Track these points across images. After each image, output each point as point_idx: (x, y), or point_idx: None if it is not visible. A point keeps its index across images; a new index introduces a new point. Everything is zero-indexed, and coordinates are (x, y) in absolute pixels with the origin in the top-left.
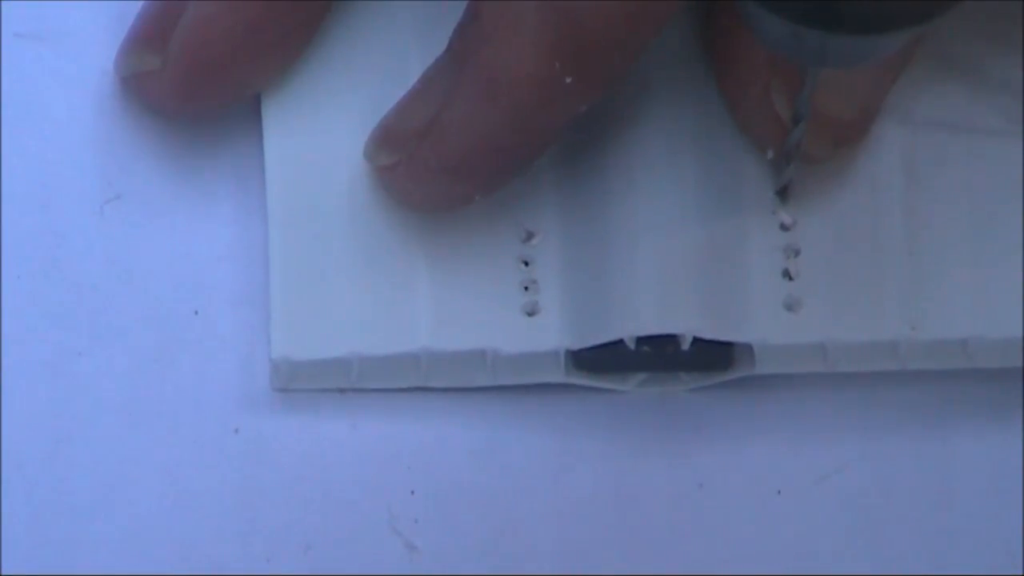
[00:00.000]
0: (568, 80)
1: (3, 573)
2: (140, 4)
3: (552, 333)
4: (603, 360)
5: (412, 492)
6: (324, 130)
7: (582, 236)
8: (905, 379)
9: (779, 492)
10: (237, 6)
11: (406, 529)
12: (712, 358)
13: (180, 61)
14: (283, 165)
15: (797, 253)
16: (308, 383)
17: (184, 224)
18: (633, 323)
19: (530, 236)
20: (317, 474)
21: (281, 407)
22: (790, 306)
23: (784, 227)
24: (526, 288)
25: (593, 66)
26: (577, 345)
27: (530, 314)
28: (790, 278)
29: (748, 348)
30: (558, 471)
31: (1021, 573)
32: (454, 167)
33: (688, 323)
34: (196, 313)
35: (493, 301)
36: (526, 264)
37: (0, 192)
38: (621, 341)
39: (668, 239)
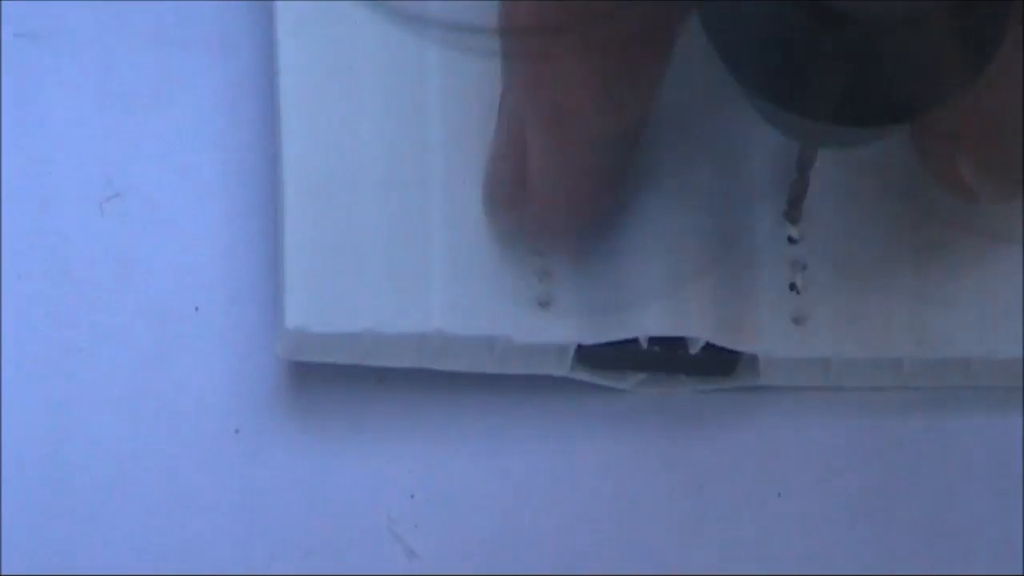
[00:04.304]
0: (624, 87)
1: (3, 573)
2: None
3: (565, 326)
4: (609, 356)
5: (412, 496)
6: (345, 106)
7: (595, 232)
8: None
9: (779, 494)
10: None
11: (406, 534)
12: (716, 365)
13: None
14: (301, 141)
15: (805, 267)
16: (315, 355)
17: (184, 221)
18: (650, 322)
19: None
20: (317, 476)
21: (281, 407)
22: (797, 319)
23: (792, 240)
24: (540, 279)
25: (641, 72)
26: (590, 340)
27: (543, 305)
28: (797, 291)
29: (752, 358)
30: (558, 473)
31: (1021, 573)
32: (568, 204)
33: (703, 328)
34: (197, 310)
35: (508, 289)
36: (540, 255)
37: (0, 191)
38: (630, 339)
39: (681, 243)
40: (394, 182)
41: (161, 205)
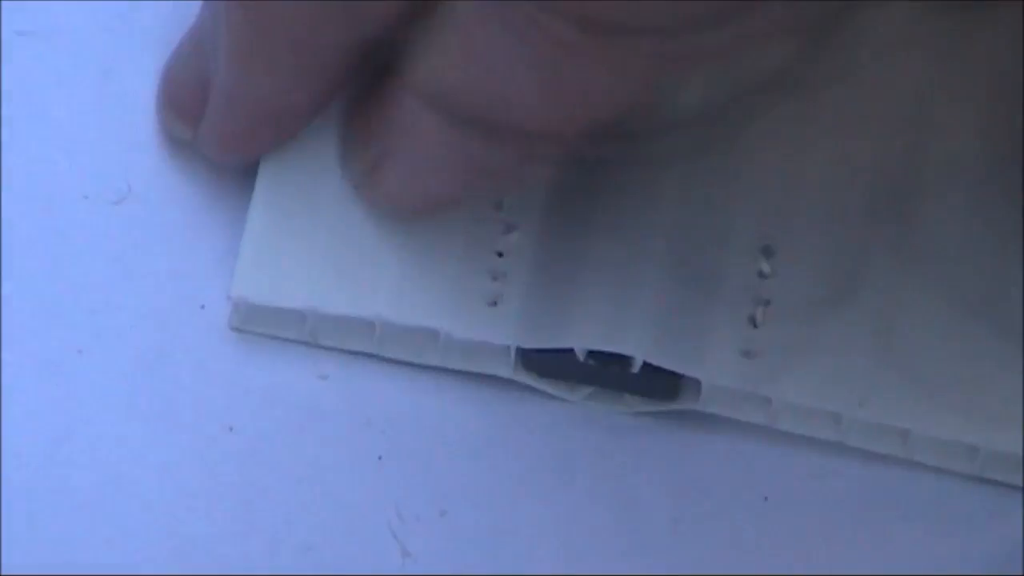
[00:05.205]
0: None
1: (3, 573)
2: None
3: (506, 327)
4: (551, 365)
5: (412, 495)
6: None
7: (559, 241)
8: None
9: (779, 494)
10: (258, 92)
11: (404, 533)
12: (659, 385)
13: (210, 141)
14: None
15: (768, 303)
16: (264, 328)
17: (185, 221)
18: (584, 335)
19: (510, 229)
20: (316, 476)
21: (281, 407)
22: (747, 352)
23: (762, 275)
24: (495, 279)
25: None
26: (528, 344)
27: (491, 304)
28: (755, 325)
29: (696, 383)
30: (557, 473)
31: (1021, 573)
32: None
33: (640, 346)
34: (202, 308)
35: (458, 284)
36: (500, 255)
37: (0, 192)
38: (572, 350)
39: (642, 262)
40: None
41: (161, 205)
